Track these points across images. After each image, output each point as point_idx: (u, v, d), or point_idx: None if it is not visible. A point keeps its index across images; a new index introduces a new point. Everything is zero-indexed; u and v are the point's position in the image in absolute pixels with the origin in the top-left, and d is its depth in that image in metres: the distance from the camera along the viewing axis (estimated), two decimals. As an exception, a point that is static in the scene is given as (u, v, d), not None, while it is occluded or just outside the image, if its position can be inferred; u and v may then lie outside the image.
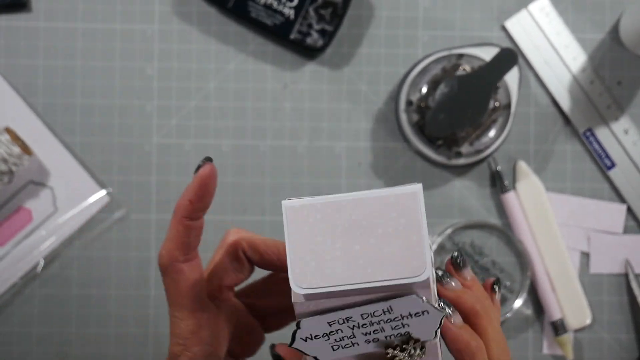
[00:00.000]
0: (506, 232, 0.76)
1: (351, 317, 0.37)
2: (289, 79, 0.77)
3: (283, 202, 0.38)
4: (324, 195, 0.38)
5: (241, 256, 0.47)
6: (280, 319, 0.51)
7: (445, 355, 0.42)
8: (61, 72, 0.76)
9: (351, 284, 0.36)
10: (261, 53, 0.77)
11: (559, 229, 0.76)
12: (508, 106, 0.74)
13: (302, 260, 0.37)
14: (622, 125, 0.77)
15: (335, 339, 0.38)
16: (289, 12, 0.75)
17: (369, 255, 0.37)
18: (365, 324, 0.38)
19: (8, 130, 0.73)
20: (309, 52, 0.76)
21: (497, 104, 0.74)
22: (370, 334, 0.38)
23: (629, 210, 0.77)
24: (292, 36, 0.75)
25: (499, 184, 0.76)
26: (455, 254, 0.45)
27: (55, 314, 0.76)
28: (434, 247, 0.75)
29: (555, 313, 0.76)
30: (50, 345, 0.76)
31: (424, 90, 0.74)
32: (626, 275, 0.77)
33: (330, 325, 0.38)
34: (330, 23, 0.75)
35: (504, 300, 0.77)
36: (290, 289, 0.37)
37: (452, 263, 0.45)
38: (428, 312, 0.37)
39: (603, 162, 0.77)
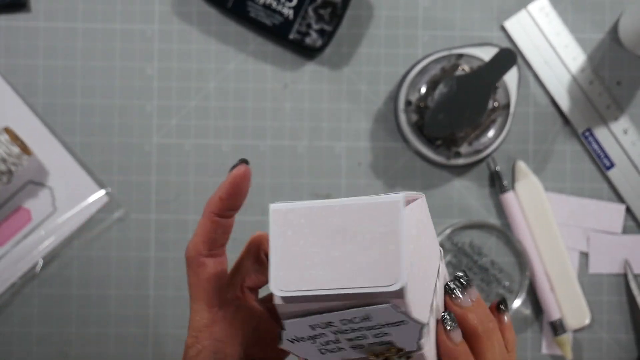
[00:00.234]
0: (505, 232, 0.77)
1: (332, 322, 0.38)
2: (289, 79, 0.77)
3: (270, 205, 0.38)
4: (311, 201, 0.38)
5: (262, 257, 0.47)
6: None
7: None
8: (61, 72, 0.76)
9: (327, 290, 0.37)
10: (261, 53, 0.77)
11: (558, 229, 0.77)
12: (507, 106, 0.74)
13: (283, 263, 0.37)
14: (621, 125, 0.77)
15: (321, 343, 0.39)
16: (288, 12, 0.75)
17: (347, 262, 0.37)
18: (347, 330, 0.38)
19: (7, 130, 0.73)
20: (308, 52, 0.76)
21: (496, 104, 0.74)
22: (353, 340, 0.38)
23: (628, 210, 0.77)
24: (291, 36, 0.75)
25: (498, 184, 0.77)
26: (460, 274, 0.44)
27: (55, 314, 0.76)
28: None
29: (554, 313, 0.76)
30: (50, 345, 0.76)
31: (423, 90, 0.74)
32: (625, 275, 0.77)
33: (313, 329, 0.38)
34: (330, 23, 0.75)
35: (503, 300, 0.77)
36: None
37: (456, 282, 0.44)
38: (405, 323, 0.37)
39: (602, 162, 0.77)
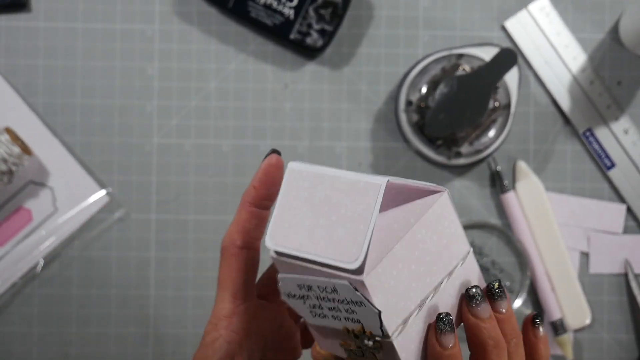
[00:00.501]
0: (506, 232, 0.77)
1: (312, 287, 0.39)
2: (289, 79, 0.77)
3: (290, 162, 0.40)
4: (323, 167, 0.40)
5: None
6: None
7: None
8: (61, 72, 0.76)
9: (303, 253, 0.38)
10: (261, 53, 0.77)
11: (558, 229, 0.77)
12: (508, 106, 0.74)
13: (280, 220, 0.39)
14: (622, 125, 0.77)
15: (310, 305, 0.40)
16: (289, 12, 0.75)
17: (327, 232, 0.38)
18: (324, 298, 0.39)
19: (8, 130, 0.73)
20: (309, 52, 0.76)
21: (496, 104, 0.74)
22: (332, 310, 0.40)
23: (629, 210, 0.77)
24: (292, 36, 0.75)
25: (498, 183, 0.76)
26: (496, 284, 0.42)
27: (55, 314, 0.76)
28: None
29: (555, 313, 0.76)
30: (50, 345, 0.76)
31: (424, 90, 0.74)
32: (626, 275, 0.77)
33: (300, 289, 0.40)
34: (330, 23, 0.75)
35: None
36: None
37: (488, 291, 0.42)
38: (364, 305, 0.38)
39: (603, 162, 0.77)
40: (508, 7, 0.77)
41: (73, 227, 0.76)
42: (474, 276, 0.43)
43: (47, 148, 0.76)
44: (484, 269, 0.77)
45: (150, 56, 0.76)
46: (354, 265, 0.37)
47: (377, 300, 0.38)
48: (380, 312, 0.38)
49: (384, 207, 0.39)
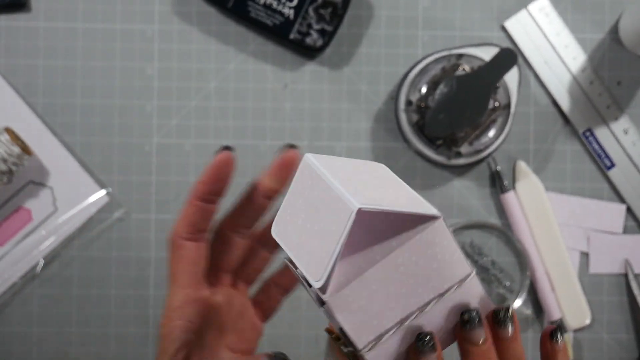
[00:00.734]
0: (506, 232, 0.77)
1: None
2: (289, 79, 0.77)
3: (305, 154, 0.40)
4: (339, 160, 0.40)
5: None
6: (269, 294, 0.51)
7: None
8: (61, 72, 0.76)
9: (290, 252, 0.39)
10: (261, 53, 0.77)
11: (558, 228, 0.77)
12: (508, 106, 0.74)
13: (285, 210, 0.40)
14: (621, 125, 0.77)
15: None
16: (289, 12, 0.75)
17: (309, 238, 0.38)
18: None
19: (8, 130, 0.73)
20: (309, 52, 0.76)
21: (496, 104, 0.74)
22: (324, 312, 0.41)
23: (629, 210, 0.77)
24: (292, 36, 0.75)
25: (498, 183, 0.77)
26: (501, 311, 0.41)
27: (55, 314, 0.76)
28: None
29: (554, 313, 0.76)
30: (50, 345, 0.76)
31: (424, 90, 0.74)
32: (626, 275, 0.77)
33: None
34: (330, 23, 0.75)
35: (503, 300, 0.77)
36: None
37: (493, 316, 0.41)
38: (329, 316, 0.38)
39: (603, 162, 0.77)
40: (508, 7, 0.77)
41: (73, 227, 0.76)
42: (474, 299, 0.41)
43: (47, 148, 0.76)
44: (484, 269, 0.77)
45: (150, 56, 0.76)
46: (318, 284, 0.37)
47: (342, 318, 0.38)
48: (342, 328, 0.38)
49: (365, 228, 0.38)
